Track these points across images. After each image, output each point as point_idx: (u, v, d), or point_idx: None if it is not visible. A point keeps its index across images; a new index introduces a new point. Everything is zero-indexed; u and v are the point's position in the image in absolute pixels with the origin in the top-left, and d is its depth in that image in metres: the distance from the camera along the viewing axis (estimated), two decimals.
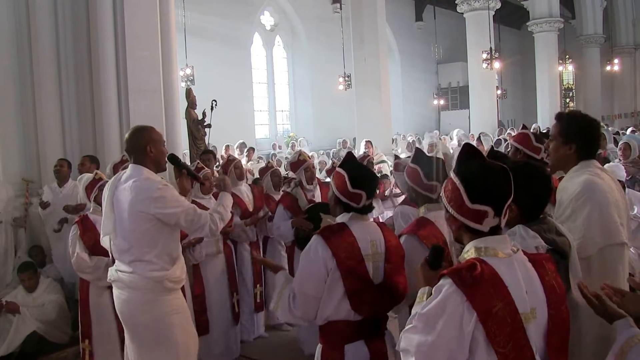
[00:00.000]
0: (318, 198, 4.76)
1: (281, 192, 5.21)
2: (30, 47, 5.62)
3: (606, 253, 2.47)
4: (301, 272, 2.36)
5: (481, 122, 16.34)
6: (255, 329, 4.95)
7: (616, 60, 22.21)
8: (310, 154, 8.17)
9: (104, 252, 3.43)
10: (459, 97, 23.10)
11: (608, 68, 22.22)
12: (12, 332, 4.53)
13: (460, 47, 18.42)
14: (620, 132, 13.04)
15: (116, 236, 2.89)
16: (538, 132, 3.90)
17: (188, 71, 12.33)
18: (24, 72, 5.65)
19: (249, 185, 5.25)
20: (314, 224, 4.22)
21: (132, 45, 5.56)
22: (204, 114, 7.23)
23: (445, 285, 1.55)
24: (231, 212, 3.26)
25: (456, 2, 16.55)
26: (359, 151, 10.53)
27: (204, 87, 11.35)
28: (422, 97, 22.32)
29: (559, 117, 2.76)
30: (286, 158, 10.59)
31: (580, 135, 2.63)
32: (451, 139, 14.93)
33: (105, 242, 3.05)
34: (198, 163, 4.57)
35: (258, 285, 4.90)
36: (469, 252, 1.65)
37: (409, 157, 3.24)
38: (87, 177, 4.15)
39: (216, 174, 5.11)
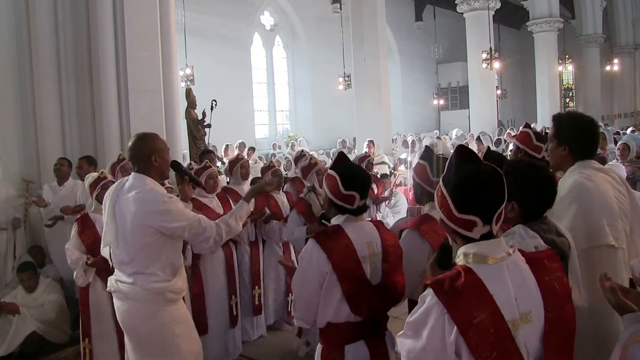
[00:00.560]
0: None
1: (282, 192, 5.20)
2: (30, 47, 5.62)
3: (593, 255, 2.46)
4: (298, 276, 2.37)
5: (481, 122, 16.36)
6: (255, 329, 4.94)
7: (616, 60, 22.22)
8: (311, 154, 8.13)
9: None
10: (458, 97, 23.10)
11: (608, 68, 22.23)
12: (12, 332, 4.53)
13: (460, 47, 18.43)
14: (621, 132, 13.05)
15: (117, 247, 2.81)
16: (543, 132, 3.89)
17: (188, 71, 12.33)
18: (24, 72, 5.65)
19: (250, 185, 5.25)
20: None
21: (132, 45, 5.56)
22: (203, 114, 7.23)
23: (428, 295, 1.56)
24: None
25: (456, 2, 16.56)
26: (359, 151, 10.54)
27: (204, 87, 11.35)
28: (422, 97, 22.32)
29: (555, 118, 2.76)
30: (286, 158, 10.57)
31: (574, 137, 2.63)
32: (450, 138, 14.93)
33: (105, 252, 2.98)
34: (206, 162, 4.57)
35: (257, 287, 4.87)
36: (459, 258, 1.64)
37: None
38: (93, 175, 4.15)
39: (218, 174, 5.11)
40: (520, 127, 3.69)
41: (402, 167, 9.58)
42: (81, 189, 5.06)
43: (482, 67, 15.53)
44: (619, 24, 24.30)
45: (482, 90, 16.41)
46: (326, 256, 2.28)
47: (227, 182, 5.26)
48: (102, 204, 3.28)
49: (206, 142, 7.33)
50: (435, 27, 19.90)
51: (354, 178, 2.40)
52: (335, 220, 2.44)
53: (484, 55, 15.38)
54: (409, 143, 12.36)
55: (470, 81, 16.94)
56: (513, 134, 13.16)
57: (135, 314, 2.84)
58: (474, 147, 11.50)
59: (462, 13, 16.60)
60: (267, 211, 4.87)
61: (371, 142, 10.09)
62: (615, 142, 8.44)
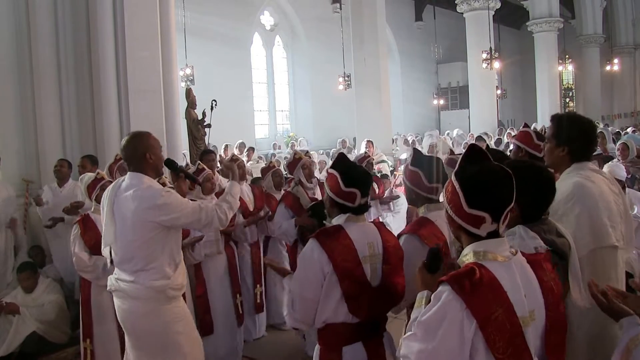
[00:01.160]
0: (319, 196, 4.74)
1: (282, 192, 5.20)
2: (30, 47, 5.62)
3: (596, 256, 2.46)
4: (298, 276, 2.35)
5: (481, 122, 16.36)
6: (256, 329, 4.94)
7: (616, 60, 22.21)
8: (311, 153, 8.14)
9: None
10: (458, 97, 23.10)
11: (608, 68, 22.22)
12: (12, 332, 4.53)
13: (460, 47, 18.43)
14: (622, 132, 13.04)
15: (118, 246, 2.84)
16: (543, 131, 3.90)
17: (188, 71, 12.33)
18: (24, 72, 5.65)
19: (250, 185, 5.25)
20: (318, 221, 4.21)
21: (132, 45, 5.56)
22: (203, 114, 7.23)
23: (445, 292, 1.54)
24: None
25: (456, 2, 16.56)
26: (359, 151, 10.54)
27: (204, 87, 11.36)
28: (422, 97, 22.32)
29: (554, 119, 2.77)
30: (285, 158, 10.57)
31: (572, 138, 2.64)
32: (451, 138, 14.93)
33: (105, 252, 3.00)
34: (199, 164, 4.57)
35: (258, 286, 4.89)
36: (468, 255, 1.64)
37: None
38: (89, 176, 4.14)
39: (218, 175, 5.11)
40: (521, 127, 3.69)
41: (402, 167, 9.57)
42: (81, 189, 5.05)
43: (482, 67, 15.53)
44: (619, 24, 24.29)
45: (482, 90, 16.41)
46: (327, 256, 2.27)
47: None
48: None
49: (206, 142, 7.33)
50: (435, 27, 19.90)
51: (355, 175, 2.41)
52: (336, 221, 2.43)
53: (484, 55, 15.38)
54: (405, 140, 12.35)
55: (470, 81, 16.94)
56: (513, 134, 13.15)
57: (136, 312, 2.86)
58: None
59: (462, 13, 16.59)
60: (267, 210, 4.88)
61: (370, 142, 10.09)
62: (616, 142, 8.45)
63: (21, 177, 5.59)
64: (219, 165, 6.24)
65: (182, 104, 6.67)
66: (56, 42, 5.62)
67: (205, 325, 4.24)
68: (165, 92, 5.91)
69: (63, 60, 5.65)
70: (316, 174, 5.48)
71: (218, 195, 4.52)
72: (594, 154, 2.93)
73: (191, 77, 12.24)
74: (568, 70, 25.94)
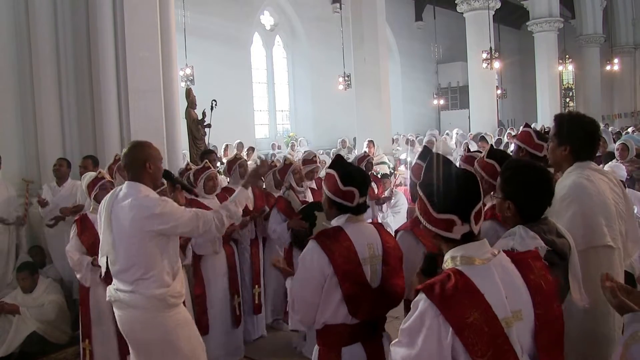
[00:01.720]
0: (310, 199, 4.81)
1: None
2: (30, 47, 5.62)
3: (590, 255, 2.46)
4: (299, 277, 2.35)
5: (481, 122, 16.35)
6: (255, 330, 4.94)
7: (616, 60, 22.18)
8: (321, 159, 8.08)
9: None
10: (459, 97, 23.10)
11: (608, 68, 22.21)
12: (12, 332, 4.53)
13: (460, 47, 18.43)
14: (622, 132, 13.03)
15: (116, 256, 2.83)
16: (543, 131, 3.90)
17: (188, 71, 12.32)
18: (24, 72, 5.66)
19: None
20: (308, 222, 4.31)
21: (132, 45, 5.56)
22: (203, 114, 7.23)
23: (421, 300, 1.58)
24: None
25: (456, 2, 16.56)
26: (359, 151, 10.53)
27: (204, 87, 11.35)
28: (422, 97, 22.31)
29: (557, 118, 2.78)
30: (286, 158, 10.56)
31: (574, 137, 2.65)
32: (451, 138, 14.92)
33: (102, 262, 3.00)
34: (206, 162, 4.59)
35: (257, 286, 4.89)
36: (447, 262, 1.68)
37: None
38: (90, 175, 4.13)
39: (218, 175, 5.11)
40: (521, 127, 3.69)
41: (402, 167, 9.57)
42: (81, 189, 5.05)
43: (482, 67, 15.53)
44: (619, 24, 24.29)
45: (482, 90, 16.40)
46: (328, 258, 2.26)
47: (228, 182, 5.28)
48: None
49: (206, 142, 7.33)
50: (435, 27, 19.87)
51: (353, 174, 2.40)
52: (335, 222, 2.42)
53: (484, 55, 15.37)
54: (407, 139, 12.35)
55: (470, 81, 16.93)
56: (513, 134, 13.16)
57: (137, 322, 2.86)
58: (475, 147, 11.49)
59: (462, 13, 16.59)
60: (267, 209, 4.88)
61: (371, 142, 10.09)
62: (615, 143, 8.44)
63: (21, 177, 5.59)
64: (219, 165, 6.25)
65: (182, 104, 6.67)
66: (56, 42, 5.62)
67: (200, 325, 4.23)
68: (165, 92, 5.91)
69: (63, 60, 5.65)
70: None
71: (219, 196, 4.53)
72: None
73: (191, 77, 12.23)
74: (568, 70, 25.89)
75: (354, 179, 2.38)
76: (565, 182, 2.58)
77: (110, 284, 2.97)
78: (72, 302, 4.96)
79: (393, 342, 1.66)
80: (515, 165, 2.26)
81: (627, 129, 13.71)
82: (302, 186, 4.83)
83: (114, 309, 2.96)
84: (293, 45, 18.98)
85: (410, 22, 22.92)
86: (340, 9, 15.99)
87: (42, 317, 4.68)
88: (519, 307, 1.60)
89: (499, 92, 19.42)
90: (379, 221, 6.24)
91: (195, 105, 7.30)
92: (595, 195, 2.54)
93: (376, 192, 6.33)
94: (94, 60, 5.58)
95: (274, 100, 18.68)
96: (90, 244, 3.82)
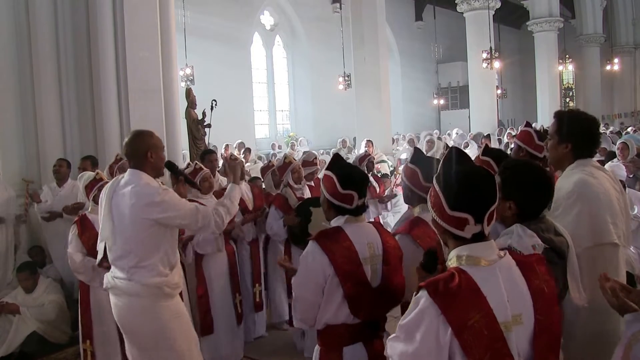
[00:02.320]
0: (308, 196, 4.86)
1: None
2: (30, 47, 5.63)
3: (596, 253, 2.46)
4: (300, 277, 2.35)
5: (481, 122, 16.36)
6: (255, 329, 4.94)
7: (616, 60, 22.21)
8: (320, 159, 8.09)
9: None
10: (459, 96, 23.10)
11: (608, 68, 22.22)
12: (12, 332, 4.53)
13: (460, 47, 18.42)
14: (623, 132, 13.04)
15: (114, 242, 2.84)
16: (542, 131, 3.90)
17: (188, 71, 12.32)
18: (24, 72, 5.66)
19: (249, 184, 5.26)
20: (304, 218, 4.38)
21: (132, 45, 5.56)
22: (203, 113, 7.23)
23: (422, 297, 1.55)
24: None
25: (456, 1, 16.56)
26: (359, 151, 10.53)
27: (204, 87, 11.35)
28: (422, 97, 22.30)
29: (557, 115, 2.77)
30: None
31: (576, 134, 2.64)
32: (451, 138, 14.92)
33: (100, 247, 3.00)
34: (196, 164, 4.58)
35: (257, 285, 4.90)
36: (452, 260, 1.65)
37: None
38: (88, 175, 4.13)
39: (218, 175, 5.11)
40: (521, 127, 3.68)
41: (402, 167, 9.56)
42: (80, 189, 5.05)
43: (482, 66, 15.53)
44: (619, 24, 24.30)
45: (482, 90, 16.41)
46: (328, 259, 2.26)
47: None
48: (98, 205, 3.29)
49: (206, 142, 7.33)
50: (435, 27, 19.87)
51: (351, 177, 2.38)
52: (335, 222, 2.41)
53: (484, 55, 15.38)
54: (410, 139, 12.34)
55: (470, 81, 16.93)
56: (513, 133, 13.15)
57: (132, 310, 2.86)
58: (475, 147, 11.49)
59: (462, 13, 16.59)
60: (267, 209, 4.88)
61: (370, 141, 10.09)
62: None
63: (21, 177, 5.59)
64: (219, 165, 6.25)
65: (182, 104, 6.67)
66: (56, 42, 5.62)
67: (205, 325, 4.24)
68: (165, 92, 5.91)
69: (63, 60, 5.65)
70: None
71: (217, 194, 4.53)
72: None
73: (191, 77, 12.23)
74: (568, 70, 25.90)
75: (352, 181, 2.37)
76: (570, 179, 2.56)
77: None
78: (72, 302, 4.95)
79: (390, 336, 1.64)
80: (514, 165, 2.26)
81: (627, 129, 13.72)
82: (300, 183, 4.87)
83: (110, 297, 2.96)
84: (293, 45, 18.98)
85: (410, 22, 22.92)
86: (340, 9, 15.99)
87: (42, 317, 4.67)
88: (520, 312, 1.58)
89: (499, 92, 19.41)
90: (381, 220, 6.25)
91: (195, 105, 7.30)
92: (601, 193, 2.53)
93: (378, 192, 6.33)
94: (94, 60, 5.58)
95: (274, 100, 18.69)
96: (91, 245, 3.80)
